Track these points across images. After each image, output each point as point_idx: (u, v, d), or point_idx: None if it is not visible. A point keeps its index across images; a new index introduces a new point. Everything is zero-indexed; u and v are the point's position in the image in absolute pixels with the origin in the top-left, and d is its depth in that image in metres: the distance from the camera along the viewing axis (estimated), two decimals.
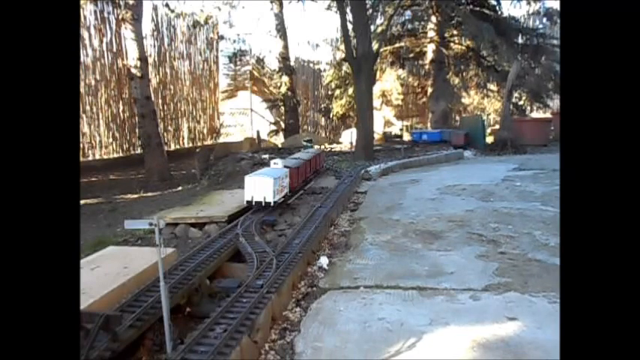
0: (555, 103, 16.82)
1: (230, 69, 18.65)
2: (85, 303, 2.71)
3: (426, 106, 17.42)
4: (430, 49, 15.74)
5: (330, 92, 18.77)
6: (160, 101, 14.88)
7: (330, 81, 18.31)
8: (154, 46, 14.64)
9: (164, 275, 2.33)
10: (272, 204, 5.06)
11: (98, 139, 12.91)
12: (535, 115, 17.00)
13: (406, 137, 16.28)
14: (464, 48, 16.12)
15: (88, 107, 12.51)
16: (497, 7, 14.86)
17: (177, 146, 15.85)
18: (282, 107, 17.34)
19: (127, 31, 10.03)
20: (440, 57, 15.51)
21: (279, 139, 16.88)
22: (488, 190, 6.54)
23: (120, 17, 10.86)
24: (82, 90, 12.15)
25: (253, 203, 5.08)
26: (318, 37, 26.89)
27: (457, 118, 18.42)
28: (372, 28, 13.83)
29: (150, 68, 12.42)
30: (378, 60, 14.04)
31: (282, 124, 17.55)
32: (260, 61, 18.94)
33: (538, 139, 12.93)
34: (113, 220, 6.31)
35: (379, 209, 5.76)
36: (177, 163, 13.04)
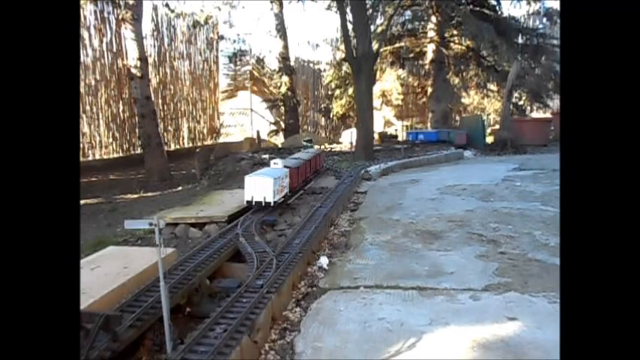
0: (555, 103, 16.82)
1: (230, 69, 18.66)
2: (85, 303, 2.71)
3: (426, 106, 17.42)
4: (430, 49, 15.74)
5: (330, 92, 18.78)
6: (160, 101, 14.88)
7: (330, 81, 18.32)
8: (154, 46, 14.65)
9: (164, 275, 2.33)
10: (272, 204, 5.06)
11: (98, 139, 12.91)
12: (535, 115, 17.01)
13: (404, 137, 16.24)
14: (464, 48, 16.12)
15: (88, 107, 12.52)
16: (497, 7, 14.87)
17: (177, 146, 15.86)
18: (282, 107, 17.34)
19: (127, 31, 10.03)
20: (440, 57, 15.51)
21: (279, 139, 16.88)
22: (488, 190, 6.54)
23: (120, 17, 10.86)
24: (82, 90, 12.15)
25: (253, 203, 5.08)
26: (318, 37, 26.93)
27: (457, 118, 18.42)
28: (372, 28, 13.83)
29: (150, 68, 12.42)
30: (378, 60, 14.04)
31: (282, 124, 17.55)
32: (260, 61, 18.95)
33: (538, 139, 12.94)
34: (113, 220, 6.31)
35: (379, 209, 5.76)
36: (177, 163, 13.04)
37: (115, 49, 13.02)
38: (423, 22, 16.52)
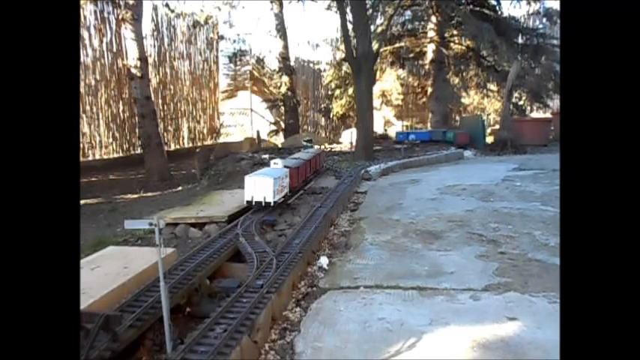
0: (555, 103, 16.82)
1: (230, 69, 18.66)
2: (85, 303, 2.71)
3: (426, 106, 17.41)
4: (430, 49, 15.74)
5: (330, 92, 18.78)
6: (160, 101, 14.88)
7: (330, 81, 18.32)
8: (154, 46, 14.66)
9: (164, 275, 2.33)
10: (272, 204, 5.06)
11: (98, 139, 12.92)
12: (535, 115, 17.00)
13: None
14: (464, 48, 16.12)
15: (88, 107, 12.52)
16: (497, 7, 14.87)
17: (177, 146, 15.86)
18: (282, 107, 17.35)
19: (127, 31, 10.03)
20: (440, 57, 15.51)
21: (279, 139, 16.88)
22: (488, 190, 6.54)
23: (120, 17, 10.86)
24: (82, 90, 12.15)
25: (253, 203, 5.08)
26: (318, 37, 26.91)
27: (457, 118, 18.42)
28: (372, 28, 13.83)
29: (150, 68, 12.42)
30: (378, 60, 14.04)
31: (282, 124, 17.56)
32: (260, 61, 18.95)
33: (538, 139, 12.94)
34: (113, 220, 6.31)
35: (379, 209, 5.76)
36: (177, 163, 13.04)
37: (115, 49, 13.02)
38: (423, 22, 16.52)
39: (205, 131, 17.47)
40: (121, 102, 13.39)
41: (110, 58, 13.01)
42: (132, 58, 10.05)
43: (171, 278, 3.04)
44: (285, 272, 3.24)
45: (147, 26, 13.71)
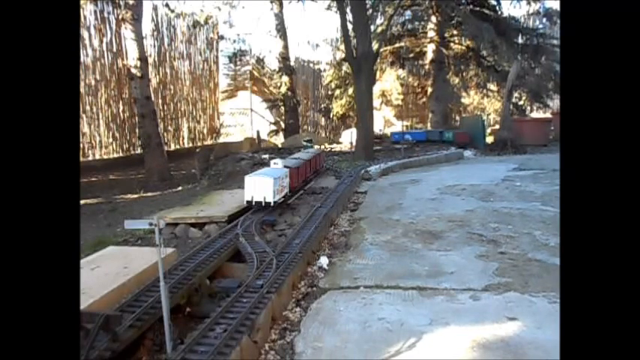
0: (555, 103, 16.82)
1: (230, 69, 18.67)
2: (85, 303, 2.71)
3: (426, 106, 17.42)
4: (430, 49, 15.75)
5: (330, 92, 18.79)
6: (160, 101, 14.88)
7: (330, 81, 18.33)
8: (154, 46, 14.65)
9: (164, 275, 2.33)
10: (272, 204, 5.06)
11: (98, 139, 12.92)
12: (535, 115, 17.00)
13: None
14: (464, 48, 16.13)
15: (88, 107, 12.52)
16: (497, 7, 14.88)
17: (177, 146, 15.86)
18: (282, 107, 17.35)
19: (127, 31, 10.03)
20: (440, 57, 15.52)
21: (279, 139, 16.89)
22: (488, 190, 6.54)
23: (120, 17, 10.86)
24: (82, 90, 12.15)
25: (253, 203, 5.08)
26: (318, 37, 26.94)
27: (457, 118, 18.42)
28: (372, 28, 13.84)
29: (150, 68, 12.42)
30: (378, 60, 14.05)
31: (282, 124, 17.56)
32: (260, 61, 18.96)
33: (538, 139, 12.94)
34: (113, 220, 6.31)
35: (379, 209, 5.76)
36: (177, 163, 13.04)
37: (115, 49, 13.02)
38: (423, 22, 16.53)
39: (205, 131, 17.47)
40: (121, 102, 13.39)
41: (110, 58, 13.01)
42: (132, 58, 10.05)
43: (171, 278, 3.04)
44: (285, 272, 3.24)
45: (147, 26, 13.73)
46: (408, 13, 16.52)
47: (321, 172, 8.18)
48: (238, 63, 18.52)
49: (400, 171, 9.24)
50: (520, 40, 15.01)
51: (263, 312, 2.64)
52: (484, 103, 19.00)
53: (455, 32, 16.12)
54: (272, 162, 5.81)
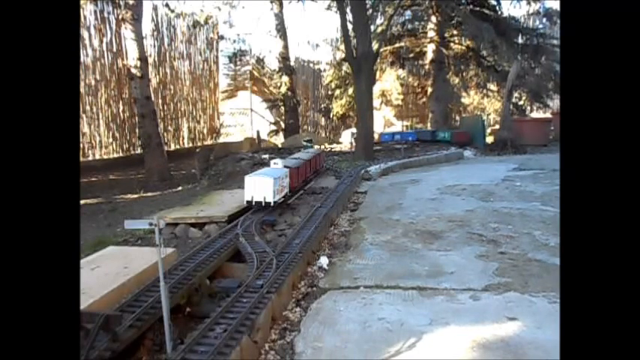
0: (555, 103, 16.82)
1: (230, 69, 18.67)
2: (85, 303, 2.71)
3: (426, 106, 17.43)
4: (430, 49, 15.74)
5: (330, 92, 18.79)
6: (160, 101, 14.88)
7: (330, 81, 18.33)
8: (154, 46, 14.65)
9: (164, 275, 2.33)
10: (272, 204, 5.06)
11: (98, 139, 12.92)
12: (535, 115, 17.00)
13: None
14: (464, 48, 16.12)
15: (88, 107, 12.52)
16: (497, 7, 14.87)
17: (177, 146, 15.86)
18: (282, 107, 17.36)
19: (127, 31, 10.03)
20: (440, 57, 15.51)
21: (279, 139, 16.89)
22: (488, 190, 6.54)
23: (120, 17, 10.86)
24: (82, 90, 12.15)
25: (253, 203, 5.08)
26: (318, 37, 26.94)
27: (457, 118, 18.42)
28: (372, 28, 13.83)
29: (150, 68, 12.42)
30: (378, 60, 14.04)
31: (282, 124, 17.56)
32: (260, 61, 18.96)
33: (538, 139, 12.94)
34: (113, 220, 6.31)
35: (379, 209, 5.76)
36: (177, 163, 13.04)
37: (115, 49, 13.02)
38: (423, 22, 16.53)
39: (205, 131, 17.47)
40: (121, 102, 13.39)
41: (110, 58, 13.01)
42: (132, 58, 10.06)
43: (171, 278, 3.04)
44: (285, 272, 3.24)
45: (147, 26, 13.73)
46: (408, 13, 16.52)
47: (321, 172, 8.18)
48: (238, 63, 18.52)
49: (400, 171, 9.24)
50: (520, 40, 15.01)
51: (263, 312, 2.64)
52: (484, 103, 19.00)
53: (455, 32, 16.12)
54: (272, 162, 5.81)
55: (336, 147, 14.04)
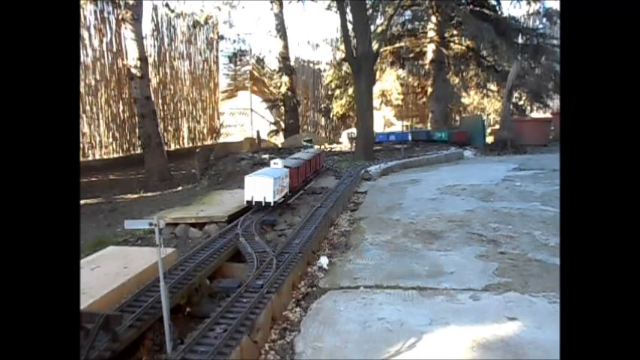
0: (555, 103, 16.82)
1: (230, 69, 18.66)
2: (85, 303, 2.71)
3: (426, 106, 17.42)
4: (430, 49, 15.74)
5: (330, 92, 18.78)
6: (160, 101, 14.88)
7: (330, 81, 18.32)
8: (154, 46, 14.65)
9: (164, 275, 2.33)
10: (272, 204, 5.06)
11: (98, 139, 12.91)
12: (535, 115, 17.00)
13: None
14: (464, 48, 16.12)
15: (88, 107, 12.51)
16: (497, 7, 14.87)
17: (177, 146, 15.85)
18: (282, 107, 17.35)
19: (127, 31, 10.03)
20: (440, 57, 15.51)
21: (279, 139, 16.89)
22: (488, 190, 6.54)
23: (120, 17, 10.86)
24: (82, 90, 12.15)
25: (253, 203, 5.08)
26: (318, 37, 26.93)
27: (457, 118, 18.42)
28: (372, 28, 13.83)
29: (150, 68, 12.42)
30: (378, 60, 14.03)
31: (282, 124, 17.56)
32: (260, 61, 18.95)
33: (538, 139, 12.94)
34: (113, 220, 6.31)
35: (379, 209, 5.76)
36: (177, 163, 13.04)
37: (115, 49, 13.01)
38: (423, 22, 16.52)
39: (205, 131, 17.46)
40: (121, 102, 13.38)
41: (110, 58, 13.00)
42: (132, 58, 10.05)
43: (171, 278, 3.04)
44: (285, 272, 3.24)
45: (147, 26, 13.72)
46: (408, 13, 16.51)
47: (321, 172, 8.18)
48: (238, 63, 18.51)
49: (400, 171, 9.24)
50: (520, 40, 15.01)
51: (263, 312, 2.64)
52: (484, 103, 19.00)
53: (455, 32, 16.11)
54: (272, 162, 5.81)
55: (336, 147, 14.04)
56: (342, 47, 13.61)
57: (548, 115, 16.11)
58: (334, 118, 18.79)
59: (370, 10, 12.71)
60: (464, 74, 16.87)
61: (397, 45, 16.44)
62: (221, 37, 17.91)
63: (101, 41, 12.71)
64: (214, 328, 2.43)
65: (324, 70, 20.32)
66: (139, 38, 10.07)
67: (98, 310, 2.49)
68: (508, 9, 25.05)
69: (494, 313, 2.81)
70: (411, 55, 17.18)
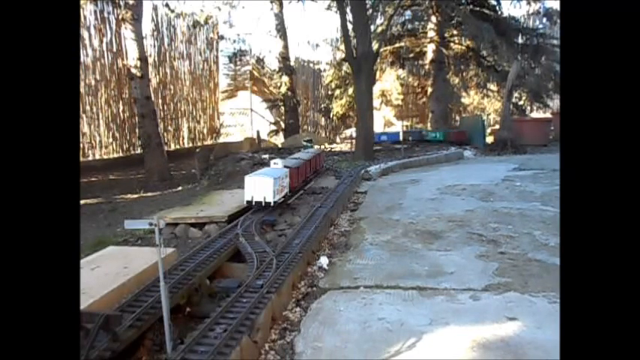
0: (555, 103, 16.82)
1: (230, 69, 18.65)
2: (85, 303, 2.71)
3: (426, 106, 17.42)
4: (430, 49, 15.73)
5: (330, 92, 18.77)
6: (160, 101, 14.88)
7: (330, 81, 18.31)
8: (154, 46, 14.64)
9: (164, 275, 2.33)
10: (272, 204, 5.06)
11: (98, 139, 12.91)
12: (535, 115, 17.00)
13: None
14: (464, 48, 16.12)
15: (88, 107, 12.51)
16: (497, 7, 14.87)
17: (177, 146, 15.85)
18: (282, 107, 17.34)
19: (127, 31, 10.03)
20: (440, 57, 15.50)
21: (279, 139, 16.88)
22: (488, 190, 6.54)
23: (120, 17, 10.86)
24: (82, 90, 12.15)
25: (253, 203, 5.08)
26: (318, 37, 26.95)
27: (457, 118, 18.42)
28: (372, 28, 13.83)
29: (150, 68, 12.41)
30: (378, 60, 14.03)
31: (282, 124, 17.55)
32: (260, 61, 18.94)
33: (538, 139, 12.94)
34: (113, 220, 6.31)
35: (379, 209, 5.76)
36: (177, 163, 13.04)
37: (115, 49, 13.01)
38: (423, 22, 16.52)
39: (205, 131, 17.46)
40: (121, 102, 13.38)
41: (110, 58, 13.00)
42: (132, 58, 10.05)
43: (171, 278, 3.04)
44: (285, 272, 3.24)
45: (147, 26, 13.72)
46: (408, 13, 16.51)
47: (321, 172, 8.18)
48: (238, 63, 18.50)
49: (400, 171, 9.24)
50: (520, 40, 15.01)
51: (263, 312, 2.64)
52: (484, 103, 18.99)
53: (455, 32, 16.11)
54: (272, 162, 5.81)
55: (336, 147, 14.03)
56: (342, 47, 13.61)
57: (548, 115, 16.10)
58: (334, 118, 18.78)
59: (370, 10, 12.71)
60: (464, 74, 16.87)
61: (397, 45, 16.44)
62: (221, 37, 17.91)
63: (101, 41, 12.71)
64: (214, 328, 2.43)
65: (324, 70, 20.31)
66: (139, 38, 10.07)
67: (98, 310, 2.49)
68: (508, 9, 25.05)
69: (494, 313, 2.81)
70: (411, 55, 17.18)
